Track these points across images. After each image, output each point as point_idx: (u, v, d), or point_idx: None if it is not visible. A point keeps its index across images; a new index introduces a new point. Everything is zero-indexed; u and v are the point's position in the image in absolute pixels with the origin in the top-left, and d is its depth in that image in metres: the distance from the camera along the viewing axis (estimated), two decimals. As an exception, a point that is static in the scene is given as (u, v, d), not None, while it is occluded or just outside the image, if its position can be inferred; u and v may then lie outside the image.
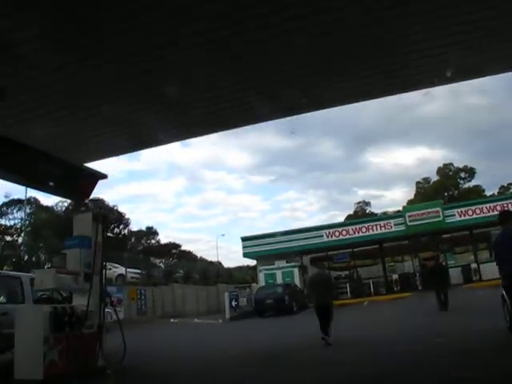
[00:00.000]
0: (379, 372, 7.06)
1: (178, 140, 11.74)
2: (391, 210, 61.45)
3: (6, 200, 50.46)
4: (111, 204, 58.72)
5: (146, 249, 60.97)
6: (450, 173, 66.19)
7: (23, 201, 46.16)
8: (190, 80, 8.14)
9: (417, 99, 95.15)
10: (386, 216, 42.23)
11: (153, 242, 66.15)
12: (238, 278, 56.11)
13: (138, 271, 35.27)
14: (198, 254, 72.03)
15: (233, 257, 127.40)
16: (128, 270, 32.37)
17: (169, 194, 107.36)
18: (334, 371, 7.64)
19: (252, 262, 43.59)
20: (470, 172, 65.36)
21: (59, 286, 8.84)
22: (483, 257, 31.40)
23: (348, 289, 32.09)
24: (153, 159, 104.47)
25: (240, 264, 69.03)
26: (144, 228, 65.55)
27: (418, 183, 68.76)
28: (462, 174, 65.94)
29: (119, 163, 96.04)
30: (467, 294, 21.59)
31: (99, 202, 51.64)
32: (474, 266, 30.43)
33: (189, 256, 66.35)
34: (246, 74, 8.19)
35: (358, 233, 33.27)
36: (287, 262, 33.07)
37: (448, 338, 9.29)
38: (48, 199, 76.00)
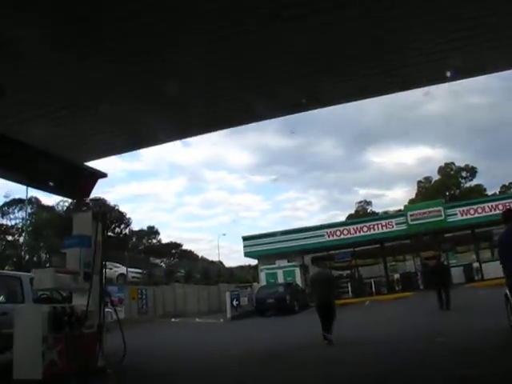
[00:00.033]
0: (382, 371, 7.05)
1: (178, 139, 11.73)
2: (392, 209, 61.37)
3: (7, 200, 50.53)
4: (112, 203, 58.71)
5: (147, 248, 60.95)
6: (452, 172, 66.08)
7: (24, 200, 46.19)
8: (190, 79, 8.11)
9: (418, 98, 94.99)
10: (387, 215, 42.14)
11: (154, 241, 66.13)
12: (240, 277, 56.00)
13: (139, 271, 35.24)
14: (200, 254, 72.03)
15: (234, 256, 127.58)
16: (129, 269, 32.33)
17: (170, 194, 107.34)
18: (336, 370, 7.61)
19: (253, 262, 43.52)
20: (472, 171, 65.25)
21: (58, 285, 8.81)
22: (485, 256, 31.36)
23: (349, 288, 31.98)
24: (154, 159, 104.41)
25: (241, 263, 69.04)
26: (145, 227, 65.57)
27: (419, 182, 68.64)
28: (464, 174, 65.83)
29: (120, 163, 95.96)
30: (469, 294, 21.52)
31: (100, 202, 51.66)
32: (475, 265, 30.33)
33: (190, 255, 66.28)
34: (245, 73, 8.16)
35: (360, 232, 33.20)
36: (288, 262, 33.03)
37: (450, 338, 9.27)
38: (49, 199, 76.12)
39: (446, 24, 7.07)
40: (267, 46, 7.30)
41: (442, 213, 31.41)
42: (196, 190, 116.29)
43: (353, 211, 72.49)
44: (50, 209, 53.08)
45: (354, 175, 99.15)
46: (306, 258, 34.66)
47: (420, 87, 9.61)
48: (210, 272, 50.93)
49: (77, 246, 9.19)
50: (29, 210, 50.10)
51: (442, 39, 7.44)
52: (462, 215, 31.05)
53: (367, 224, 33.91)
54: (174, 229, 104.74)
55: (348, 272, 35.35)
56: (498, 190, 61.26)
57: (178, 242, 68.38)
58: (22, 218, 48.98)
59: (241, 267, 68.17)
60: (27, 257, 39.20)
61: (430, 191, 62.78)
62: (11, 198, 49.99)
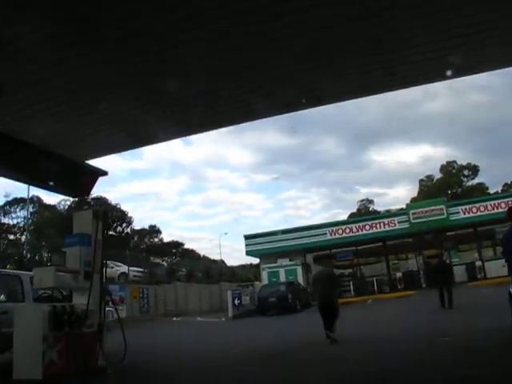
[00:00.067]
0: (383, 370, 7.00)
1: (178, 137, 11.71)
2: (394, 208, 61.27)
3: (9, 199, 50.60)
4: (114, 202, 58.79)
5: (148, 247, 60.98)
6: (454, 170, 65.90)
7: (26, 199, 46.22)
8: (190, 79, 8.09)
9: (419, 97, 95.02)
10: (389, 214, 42.01)
11: (156, 240, 66.17)
12: (241, 276, 56.02)
13: (141, 270, 35.21)
14: (201, 253, 72.14)
15: (236, 255, 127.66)
16: (130, 268, 32.34)
17: (172, 193, 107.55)
18: (338, 369, 7.57)
19: (255, 260, 43.45)
20: (474, 169, 65.07)
21: (58, 284, 8.74)
22: (488, 255, 31.27)
23: (351, 287, 31.93)
24: (155, 158, 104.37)
25: (243, 262, 69.05)
26: (147, 226, 65.62)
27: (421, 181, 68.47)
28: (466, 172, 65.65)
29: (122, 162, 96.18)
30: (472, 292, 21.47)
31: (102, 201, 51.68)
32: (478, 263, 30.25)
33: (192, 254, 66.33)
34: (245, 73, 8.17)
35: (362, 231, 33.14)
36: (290, 260, 32.97)
37: (453, 337, 9.23)
38: (51, 198, 76.24)
39: (446, 23, 7.05)
40: (267, 45, 7.30)
41: (445, 211, 31.32)
42: (198, 188, 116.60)
43: (355, 210, 72.47)
44: (52, 208, 53.18)
45: (356, 174, 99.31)
46: (307, 256, 34.61)
47: (420, 85, 9.64)
48: (212, 271, 50.95)
49: (77, 245, 9.13)
50: (30, 209, 50.18)
51: (442, 38, 7.42)
52: (465, 213, 30.96)
53: (369, 222, 33.85)
54: (175, 228, 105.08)
55: (350, 271, 35.25)
56: (500, 188, 61.22)
57: (180, 240, 68.57)
58: (24, 217, 49.07)
59: (242, 266, 68.23)
60: (29, 256, 39.19)
61: (431, 190, 62.62)
62: (12, 197, 50.09)
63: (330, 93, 9.41)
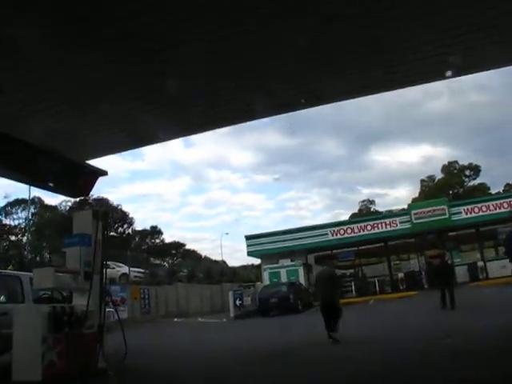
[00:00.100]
0: (383, 371, 6.97)
1: (177, 137, 11.70)
2: (396, 208, 61.16)
3: (10, 200, 50.65)
4: (115, 203, 58.85)
5: (150, 248, 60.99)
6: (455, 171, 65.89)
7: (27, 200, 46.21)
8: (190, 79, 8.05)
9: (420, 97, 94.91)
10: (391, 214, 41.92)
11: (157, 241, 66.20)
12: (243, 276, 55.99)
13: (142, 270, 35.18)
14: (203, 253, 72.19)
15: (237, 256, 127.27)
16: (132, 269, 32.28)
17: (173, 194, 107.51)
18: (340, 369, 7.53)
19: (256, 261, 43.43)
20: (475, 170, 65.04)
21: (58, 285, 8.68)
22: (490, 255, 31.18)
23: (353, 287, 31.88)
24: (157, 159, 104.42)
25: (244, 263, 69.04)
26: (148, 227, 65.63)
27: (422, 181, 68.47)
28: (467, 172, 65.61)
29: (123, 163, 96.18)
30: (474, 293, 21.41)
31: (103, 201, 51.71)
32: (480, 264, 30.15)
33: (193, 255, 66.39)
34: (245, 73, 8.14)
35: (363, 231, 33.07)
36: (292, 261, 32.91)
37: (455, 338, 9.14)
38: (52, 199, 76.13)
39: (445, 22, 7.02)
40: (267, 45, 7.28)
41: (447, 211, 31.24)
42: (199, 189, 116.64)
43: (356, 210, 72.48)
44: (53, 208, 53.19)
45: (358, 174, 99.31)
46: (309, 257, 34.54)
47: (420, 84, 9.63)
48: (213, 271, 50.93)
49: (77, 245, 9.05)
50: (32, 210, 50.19)
51: (442, 37, 7.39)
52: (467, 214, 30.87)
53: (371, 223, 33.78)
54: (177, 228, 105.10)
55: (351, 271, 35.17)
56: (502, 188, 61.18)
57: (181, 241, 68.65)
58: (25, 218, 49.08)
59: (244, 266, 68.25)
60: (30, 256, 39.19)
61: (433, 190, 62.55)
62: (14, 198, 50.13)
63: (329, 92, 9.36)
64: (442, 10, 6.64)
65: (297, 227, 36.17)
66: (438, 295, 16.55)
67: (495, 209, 29.94)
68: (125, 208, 61.42)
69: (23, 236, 48.44)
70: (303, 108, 10.06)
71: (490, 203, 30.93)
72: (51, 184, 9.84)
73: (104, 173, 10.74)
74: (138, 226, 63.60)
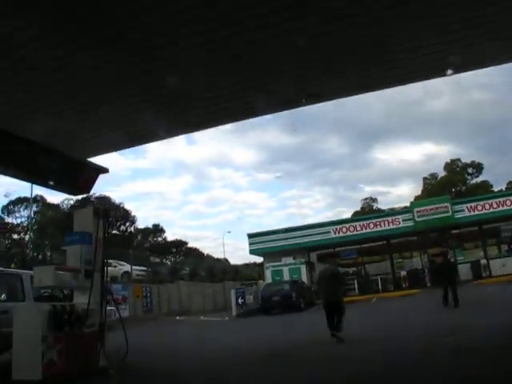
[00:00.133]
0: (384, 370, 6.93)
1: (178, 134, 11.71)
2: (398, 206, 61.07)
3: (13, 198, 50.71)
4: (118, 201, 58.86)
5: (152, 246, 61.00)
6: (458, 168, 65.73)
7: (29, 199, 46.23)
8: (190, 79, 8.03)
9: (422, 95, 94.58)
10: (393, 212, 41.82)
11: (159, 239, 66.22)
12: (245, 275, 55.91)
13: (144, 269, 35.16)
14: (205, 252, 72.12)
15: (239, 254, 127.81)
16: (134, 267, 32.25)
17: (175, 192, 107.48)
18: (343, 368, 7.49)
19: (259, 259, 43.43)
20: (478, 167, 64.91)
21: (58, 283, 8.60)
22: (493, 253, 31.09)
23: (356, 285, 31.82)
24: (159, 157, 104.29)
25: (247, 261, 69.03)
26: (151, 225, 65.65)
27: (425, 179, 68.30)
28: (470, 170, 65.47)
29: (126, 161, 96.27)
30: (477, 291, 21.34)
31: (106, 200, 51.72)
32: (483, 262, 30.04)
33: (195, 253, 66.34)
34: (245, 73, 8.11)
35: (366, 229, 33.03)
36: (294, 259, 32.86)
37: (457, 336, 9.12)
38: (54, 197, 76.32)
39: (445, 21, 6.99)
40: (267, 46, 7.27)
41: (449, 209, 31.16)
42: (201, 187, 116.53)
43: (359, 208, 72.38)
44: (55, 207, 53.23)
45: (360, 172, 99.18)
46: (311, 255, 34.50)
47: (420, 81, 9.59)
48: (215, 270, 50.83)
49: (77, 243, 8.99)
50: (34, 209, 50.24)
51: (442, 35, 7.36)
52: (470, 211, 30.77)
53: (374, 221, 33.74)
54: (179, 227, 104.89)
55: (354, 269, 35.14)
56: (505, 186, 60.98)
57: (184, 239, 68.63)
58: (28, 217, 49.11)
59: (246, 265, 68.15)
60: (32, 255, 39.22)
61: (435, 188, 62.39)
62: (16, 196, 50.19)
63: (329, 91, 9.37)
64: (442, 8, 6.62)
65: (299, 225, 36.18)
66: (441, 293, 16.49)
67: (498, 206, 29.86)
68: (127, 206, 61.61)
69: (25, 234, 48.48)
70: (303, 105, 10.03)
71: (492, 201, 30.83)
72: (51, 182, 9.79)
73: (105, 170, 10.70)
74: (141, 224, 63.71)
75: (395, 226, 32.31)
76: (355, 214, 65.79)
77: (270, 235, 35.31)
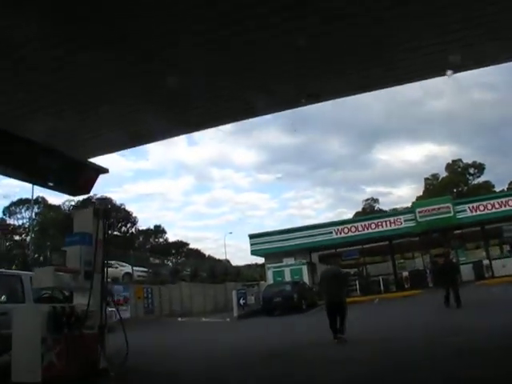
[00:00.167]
0: (386, 371, 6.94)
1: (178, 135, 11.71)
2: (400, 207, 61.02)
3: (14, 200, 50.78)
4: (119, 203, 58.94)
5: (153, 247, 61.00)
6: (459, 169, 65.61)
7: (31, 200, 46.25)
8: (190, 79, 7.96)
9: (423, 95, 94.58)
10: (395, 212, 41.71)
11: (161, 240, 66.23)
12: (247, 275, 55.89)
13: (145, 270, 35.14)
14: (206, 253, 72.14)
15: (241, 255, 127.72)
16: (135, 268, 32.24)
17: (176, 193, 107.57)
18: (345, 369, 7.46)
19: (260, 260, 43.34)
20: (479, 168, 64.80)
21: (58, 284, 8.56)
22: (495, 253, 30.98)
23: (357, 286, 31.70)
24: (160, 158, 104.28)
25: (248, 262, 68.99)
26: (152, 226, 65.67)
27: (426, 180, 68.21)
28: (471, 170, 65.36)
29: (127, 162, 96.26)
30: (480, 291, 21.24)
31: (107, 201, 51.71)
32: (485, 262, 29.94)
33: (197, 254, 66.33)
34: (245, 73, 8.12)
35: (368, 229, 32.96)
36: (296, 260, 32.79)
37: (459, 337, 9.08)
38: (55, 198, 76.28)
39: (445, 21, 6.99)
40: (267, 45, 7.26)
41: (451, 209, 31.08)
42: (202, 188, 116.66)
43: (360, 209, 72.30)
44: (57, 208, 53.28)
45: (361, 173, 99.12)
46: (313, 255, 34.42)
47: (419, 80, 9.55)
48: (217, 271, 50.73)
49: (77, 244, 8.92)
50: (35, 210, 50.26)
51: (442, 35, 7.35)
52: (472, 212, 30.69)
53: (375, 221, 33.68)
54: (180, 228, 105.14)
55: (356, 270, 35.04)
56: (507, 186, 60.88)
57: (185, 240, 68.67)
58: (29, 218, 49.13)
59: (248, 266, 68.08)
60: (33, 256, 39.18)
61: (437, 188, 62.28)
62: (18, 198, 50.26)
63: (329, 91, 9.35)
64: (442, 8, 6.61)
65: (301, 226, 36.11)
66: (443, 294, 16.43)
67: (500, 207, 29.80)
68: (128, 207, 61.69)
69: (27, 236, 48.51)
70: (303, 105, 10.02)
71: (495, 201, 30.76)
72: (51, 182, 9.75)
73: (105, 170, 10.65)
74: (142, 225, 63.83)
75: (397, 227, 32.24)
76: (356, 214, 65.75)
77: (271, 236, 35.23)
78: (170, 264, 55.41)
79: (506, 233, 30.78)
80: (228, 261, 68.91)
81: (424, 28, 7.11)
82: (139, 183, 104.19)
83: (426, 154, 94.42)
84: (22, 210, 52.31)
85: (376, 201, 74.04)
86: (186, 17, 6.30)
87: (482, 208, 30.43)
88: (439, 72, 8.86)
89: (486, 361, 6.73)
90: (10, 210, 52.27)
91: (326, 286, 11.47)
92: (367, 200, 74.37)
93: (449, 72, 8.66)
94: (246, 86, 8.49)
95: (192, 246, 69.01)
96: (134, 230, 61.26)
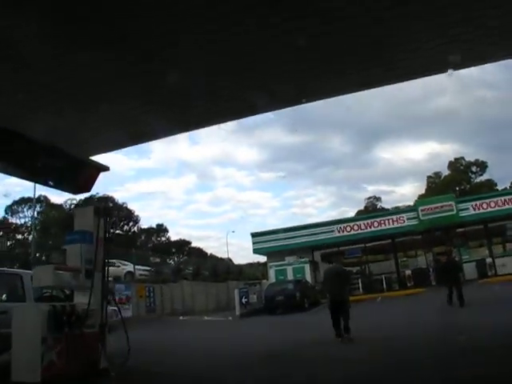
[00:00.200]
0: (389, 370, 6.95)
1: (178, 133, 11.64)
2: (402, 205, 60.88)
3: (16, 199, 50.88)
4: (121, 201, 58.96)
5: (155, 246, 61.05)
6: (462, 167, 65.50)
7: (33, 199, 46.34)
8: (190, 79, 7.93)
9: (426, 93, 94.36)
10: (398, 210, 41.64)
11: (163, 239, 66.28)
12: (249, 274, 55.88)
13: (147, 268, 35.15)
14: (208, 251, 72.16)
15: (243, 253, 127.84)
16: (137, 267, 32.19)
17: (179, 192, 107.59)
18: (347, 368, 7.47)
19: (262, 259, 43.34)
20: (482, 166, 64.66)
21: (58, 283, 8.53)
22: (498, 251, 30.89)
23: (360, 285, 31.62)
24: (163, 157, 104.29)
25: (250, 260, 68.93)
26: (154, 225, 65.70)
27: (429, 178, 68.11)
28: (474, 168, 65.24)
29: (129, 161, 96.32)
30: (483, 290, 21.18)
31: (109, 199, 51.80)
32: (488, 260, 29.85)
33: (199, 253, 66.34)
34: (245, 73, 8.10)
35: (370, 228, 32.93)
36: (299, 258, 32.75)
37: (462, 335, 8.99)
38: (58, 197, 76.42)
39: (445, 21, 6.97)
40: (267, 45, 7.25)
41: (454, 207, 31.02)
42: (205, 187, 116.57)
43: (362, 207, 72.22)
44: (59, 207, 53.35)
45: (363, 171, 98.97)
46: (315, 254, 34.37)
47: (418, 78, 9.57)
48: (219, 269, 50.74)
49: (78, 242, 8.89)
50: (38, 209, 50.35)
51: (442, 35, 7.34)
52: (475, 210, 30.61)
53: (378, 219, 33.63)
54: (182, 226, 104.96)
55: (358, 268, 34.98)
56: (509, 184, 60.75)
57: (187, 239, 68.66)
58: (31, 217, 49.25)
59: (250, 264, 68.03)
60: (35, 255, 39.26)
61: (439, 187, 62.19)
62: (20, 197, 50.36)
63: (329, 90, 9.37)
64: (442, 8, 6.60)
65: (303, 224, 36.07)
66: (446, 292, 16.39)
67: (503, 205, 29.70)
68: (130, 206, 61.68)
69: (29, 234, 48.60)
70: (303, 103, 10.00)
71: (498, 199, 30.65)
72: (52, 180, 9.72)
73: (105, 168, 10.62)
74: (144, 224, 63.83)
75: (400, 225, 32.20)
76: (359, 213, 65.59)
77: (273, 234, 35.21)
78: (172, 263, 55.55)
79: (509, 231, 30.73)
80: (230, 259, 69.01)
81: (424, 28, 7.11)
82: (141, 182, 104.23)
83: (429, 152, 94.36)
84: (25, 209, 52.47)
85: (378, 199, 74.06)
86: (185, 17, 6.29)
87: (484, 206, 30.34)
88: (439, 71, 8.88)
89: (490, 359, 6.73)
90: (12, 208, 52.43)
91: (328, 284, 11.43)
92: (369, 198, 74.35)
93: (449, 71, 8.70)
94: (246, 85, 8.49)
95: (194, 244, 69.14)
96: (136, 228, 61.35)
